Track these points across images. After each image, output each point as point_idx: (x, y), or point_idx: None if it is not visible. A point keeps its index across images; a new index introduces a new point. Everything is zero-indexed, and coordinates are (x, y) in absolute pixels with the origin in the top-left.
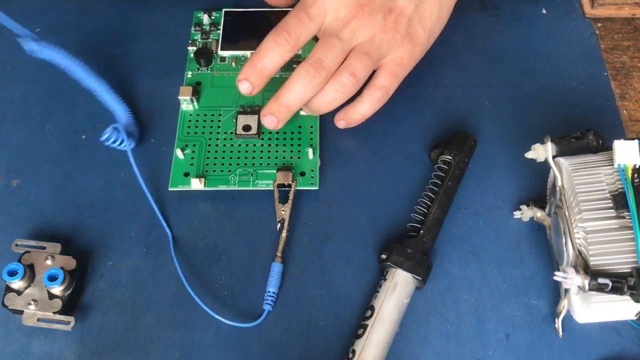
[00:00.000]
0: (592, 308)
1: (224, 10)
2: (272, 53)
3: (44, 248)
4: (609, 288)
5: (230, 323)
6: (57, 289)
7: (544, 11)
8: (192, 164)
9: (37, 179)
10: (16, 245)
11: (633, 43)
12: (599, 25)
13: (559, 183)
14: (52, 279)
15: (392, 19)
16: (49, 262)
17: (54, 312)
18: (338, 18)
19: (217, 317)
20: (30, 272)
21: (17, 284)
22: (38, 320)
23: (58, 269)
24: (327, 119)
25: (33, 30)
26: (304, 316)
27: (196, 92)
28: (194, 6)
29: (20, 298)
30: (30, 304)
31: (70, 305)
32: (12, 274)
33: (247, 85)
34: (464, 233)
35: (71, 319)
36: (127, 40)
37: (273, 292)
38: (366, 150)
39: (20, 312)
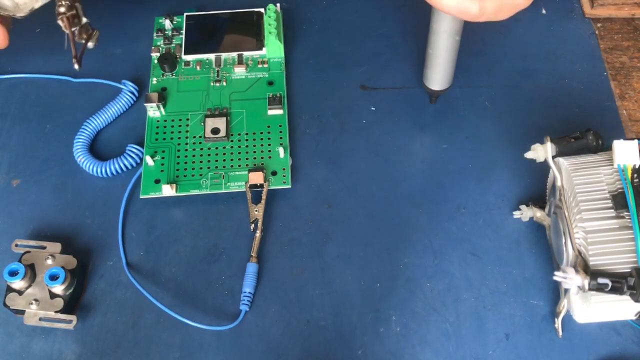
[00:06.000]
0: (592, 308)
1: (185, 14)
2: None
3: (44, 248)
4: (609, 288)
5: (203, 327)
6: (58, 288)
7: (543, 11)
8: (162, 171)
9: (37, 179)
10: (16, 245)
11: (633, 43)
12: (599, 25)
13: (559, 183)
14: (54, 278)
15: None
16: (49, 261)
17: (55, 312)
18: None
19: (186, 320)
20: (31, 272)
21: (18, 284)
22: (40, 319)
23: (59, 268)
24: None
25: (34, 31)
26: (304, 316)
27: (162, 98)
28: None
29: (21, 298)
30: (31, 303)
31: (71, 305)
32: (13, 274)
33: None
34: (464, 233)
35: (73, 317)
36: (127, 40)
37: (249, 293)
38: (366, 150)
39: (22, 312)
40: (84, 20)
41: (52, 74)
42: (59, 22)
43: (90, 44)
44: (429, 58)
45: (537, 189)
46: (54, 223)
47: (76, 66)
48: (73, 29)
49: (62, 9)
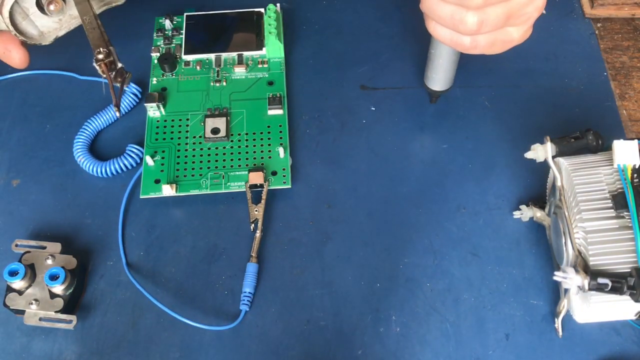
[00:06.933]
0: (592, 308)
1: (185, 14)
2: None
3: (44, 248)
4: (609, 288)
5: (203, 327)
6: (58, 288)
7: (543, 11)
8: (162, 171)
9: (37, 179)
10: (16, 245)
11: (633, 43)
12: (599, 25)
13: (559, 183)
14: (54, 278)
15: None
16: (49, 261)
17: (55, 312)
18: None
19: (186, 320)
20: (31, 272)
21: (18, 284)
22: (40, 319)
23: (59, 268)
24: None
25: None
26: (304, 316)
27: (162, 98)
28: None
29: (21, 298)
30: (31, 303)
31: (71, 305)
32: (13, 274)
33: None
34: (464, 233)
35: (73, 317)
36: (127, 40)
37: (249, 293)
38: (366, 150)
39: (22, 312)
40: (119, 65)
41: (54, 70)
42: (96, 66)
43: (125, 87)
44: (431, 58)
45: (537, 189)
46: (54, 223)
47: (117, 114)
48: (110, 73)
49: (100, 56)
